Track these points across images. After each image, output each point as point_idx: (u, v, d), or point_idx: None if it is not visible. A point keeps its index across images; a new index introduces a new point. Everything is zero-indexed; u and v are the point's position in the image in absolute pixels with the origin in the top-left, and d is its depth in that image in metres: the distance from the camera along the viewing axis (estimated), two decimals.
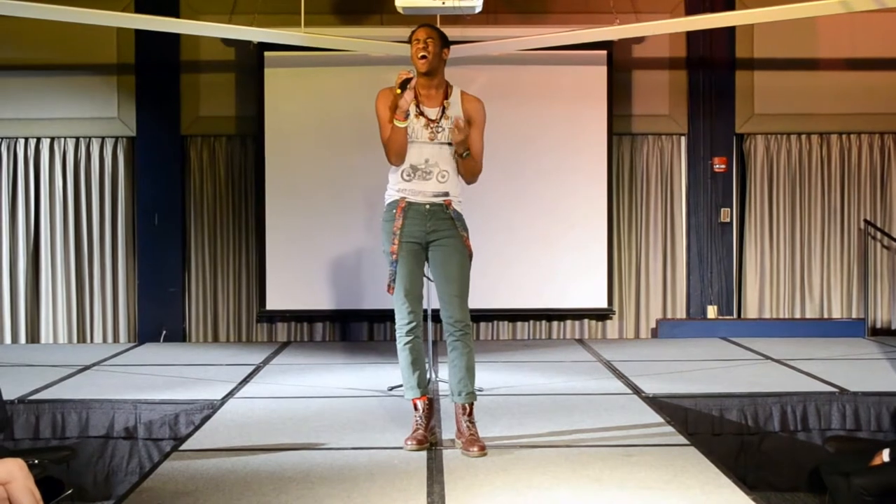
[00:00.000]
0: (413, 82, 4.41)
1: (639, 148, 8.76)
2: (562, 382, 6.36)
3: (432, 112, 4.52)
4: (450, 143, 4.51)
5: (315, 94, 8.44)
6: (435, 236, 4.52)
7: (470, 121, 4.56)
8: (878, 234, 8.69)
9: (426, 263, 4.62)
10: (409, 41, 4.55)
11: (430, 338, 6.14)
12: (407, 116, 4.44)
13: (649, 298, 8.77)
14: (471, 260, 4.58)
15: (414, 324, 4.55)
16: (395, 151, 4.48)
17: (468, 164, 4.54)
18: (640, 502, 3.74)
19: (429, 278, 4.69)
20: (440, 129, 4.50)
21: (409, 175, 4.52)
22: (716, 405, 5.75)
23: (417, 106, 4.51)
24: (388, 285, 4.54)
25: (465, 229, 4.57)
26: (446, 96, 4.55)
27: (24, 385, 6.13)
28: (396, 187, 4.55)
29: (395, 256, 4.51)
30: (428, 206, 4.51)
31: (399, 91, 4.37)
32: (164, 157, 8.52)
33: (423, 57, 4.48)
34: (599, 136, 8.49)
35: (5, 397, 5.12)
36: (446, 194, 4.53)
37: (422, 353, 4.64)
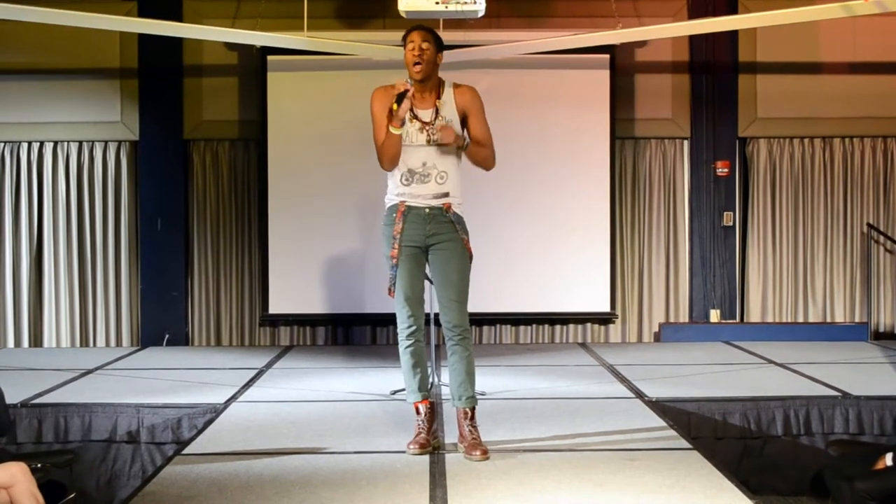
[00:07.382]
0: (410, 93, 4.36)
1: (641, 152, 8.76)
2: (564, 386, 6.36)
3: (426, 114, 4.49)
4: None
5: (318, 98, 8.44)
6: (435, 240, 4.51)
7: (466, 112, 4.53)
8: (881, 238, 8.68)
9: (427, 266, 4.61)
10: (403, 41, 4.51)
11: (433, 342, 6.14)
12: (403, 124, 4.41)
13: (652, 302, 8.75)
14: (471, 262, 4.57)
15: (414, 328, 4.55)
16: (388, 157, 4.46)
17: (475, 153, 4.52)
18: None
19: (430, 281, 4.69)
20: (434, 131, 4.47)
21: (407, 179, 4.50)
22: (719, 409, 5.75)
23: (411, 109, 4.46)
24: (389, 289, 4.54)
25: (466, 232, 4.56)
26: (438, 96, 4.52)
27: (27, 389, 6.14)
28: (396, 191, 4.54)
29: (395, 261, 4.50)
30: (427, 210, 4.50)
31: (396, 106, 4.32)
32: (167, 161, 8.54)
33: (418, 64, 4.44)
34: (602, 140, 8.49)
35: (8, 401, 5.12)
36: (446, 195, 4.50)
37: (423, 356, 4.63)
